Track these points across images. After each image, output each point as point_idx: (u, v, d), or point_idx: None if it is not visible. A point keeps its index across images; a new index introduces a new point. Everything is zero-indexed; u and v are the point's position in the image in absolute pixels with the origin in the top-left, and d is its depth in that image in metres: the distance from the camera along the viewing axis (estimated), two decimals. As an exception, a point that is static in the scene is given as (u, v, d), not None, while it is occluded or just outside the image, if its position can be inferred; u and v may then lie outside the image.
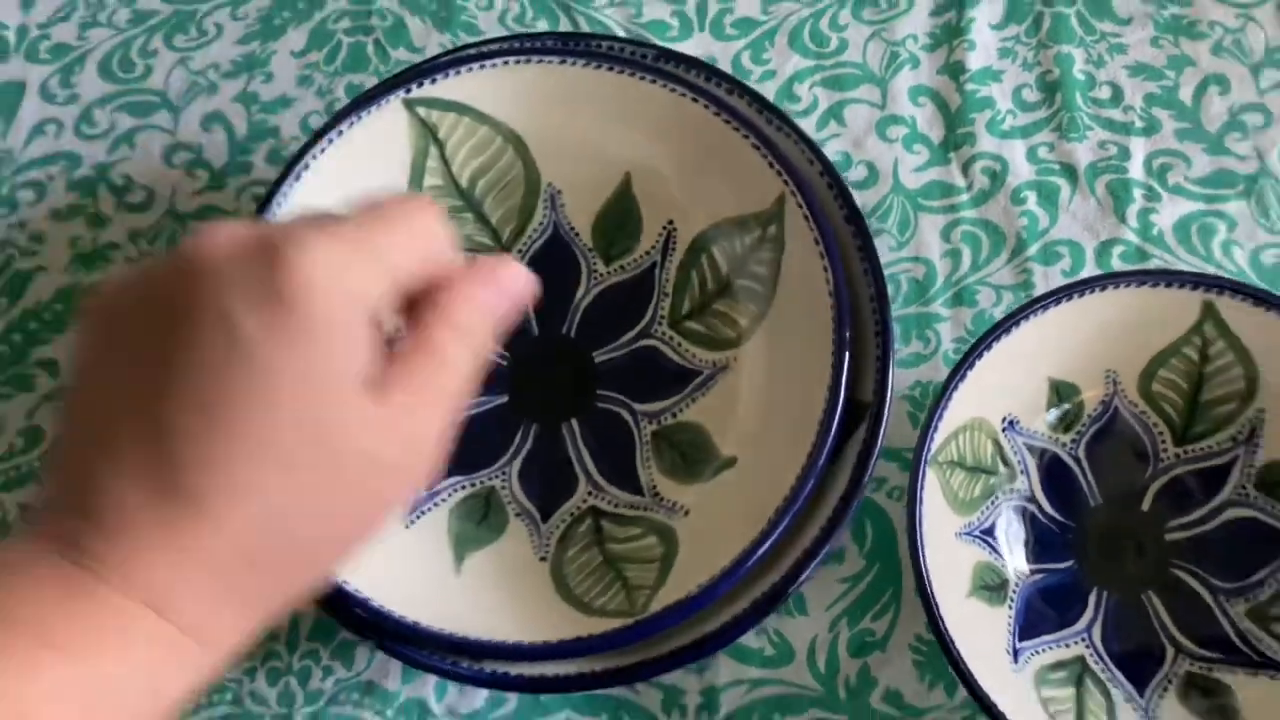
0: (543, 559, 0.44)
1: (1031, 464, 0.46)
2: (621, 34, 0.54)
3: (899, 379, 0.48)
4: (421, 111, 0.45)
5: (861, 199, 0.51)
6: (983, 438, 0.45)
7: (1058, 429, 0.46)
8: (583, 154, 0.47)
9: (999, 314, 0.49)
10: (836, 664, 0.44)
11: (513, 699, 0.44)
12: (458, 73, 0.44)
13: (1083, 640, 0.44)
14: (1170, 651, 0.44)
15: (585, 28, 0.54)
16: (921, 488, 0.41)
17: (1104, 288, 0.44)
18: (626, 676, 0.40)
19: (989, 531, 0.45)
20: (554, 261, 0.48)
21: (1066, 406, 0.46)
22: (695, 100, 0.44)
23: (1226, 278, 0.45)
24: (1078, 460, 0.46)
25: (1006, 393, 0.45)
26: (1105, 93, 0.53)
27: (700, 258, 0.46)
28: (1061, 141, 0.52)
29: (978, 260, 0.50)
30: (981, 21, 0.54)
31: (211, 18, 0.56)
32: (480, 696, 0.44)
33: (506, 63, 0.44)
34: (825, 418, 0.39)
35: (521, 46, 0.45)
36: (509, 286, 0.32)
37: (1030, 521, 0.45)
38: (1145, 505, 0.46)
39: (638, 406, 0.46)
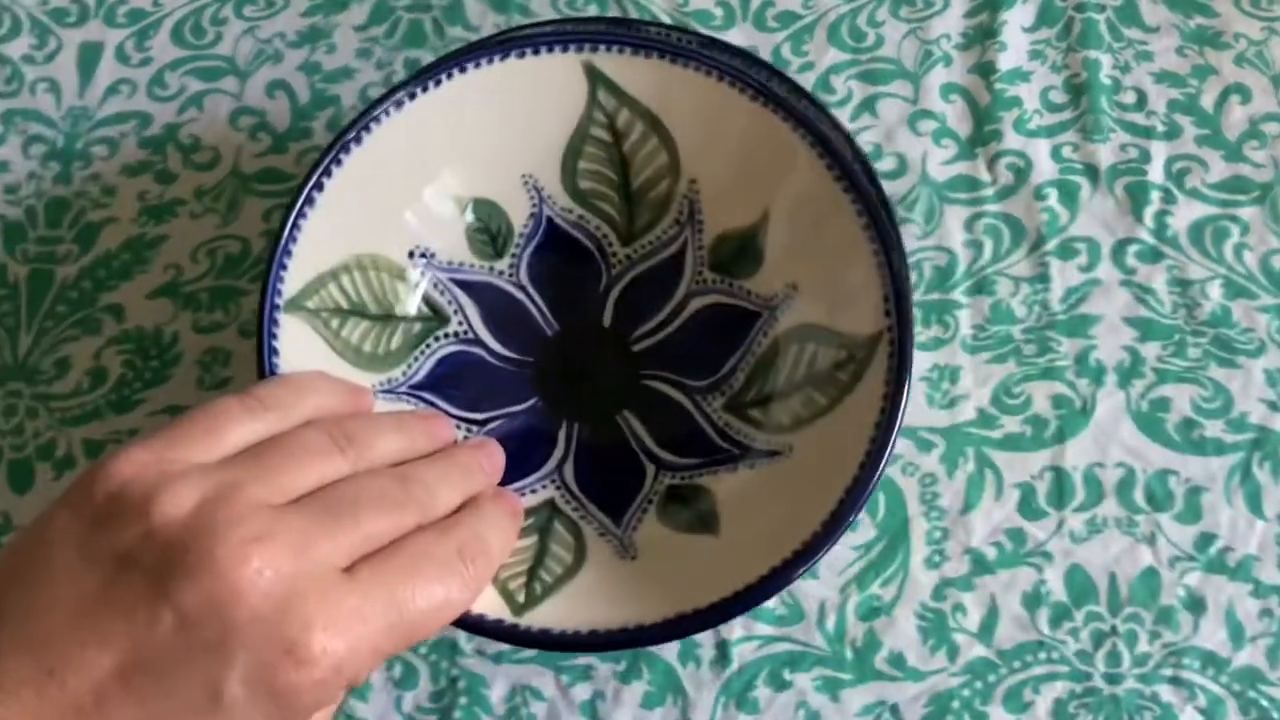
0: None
1: (467, 301, 0.41)
2: (666, 20, 0.57)
3: (918, 361, 0.50)
4: None
5: (890, 189, 0.53)
6: (384, 277, 0.40)
7: (487, 255, 0.42)
8: None
9: (1017, 304, 0.51)
10: (844, 626, 0.47)
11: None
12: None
13: (552, 482, 0.41)
14: (650, 469, 0.41)
15: (633, 13, 0.57)
16: (272, 335, 0.37)
17: (464, 68, 0.39)
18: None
19: (421, 387, 0.41)
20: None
21: (481, 223, 0.42)
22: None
23: (598, 32, 0.41)
24: (522, 288, 0.42)
25: (398, 219, 0.40)
26: (1130, 97, 0.55)
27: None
28: (1085, 142, 0.54)
29: (998, 252, 0.52)
30: (1014, 24, 0.56)
31: (279, -10, 0.59)
32: (507, 639, 0.47)
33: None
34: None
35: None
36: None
37: (480, 367, 0.41)
38: (606, 320, 0.42)
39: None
